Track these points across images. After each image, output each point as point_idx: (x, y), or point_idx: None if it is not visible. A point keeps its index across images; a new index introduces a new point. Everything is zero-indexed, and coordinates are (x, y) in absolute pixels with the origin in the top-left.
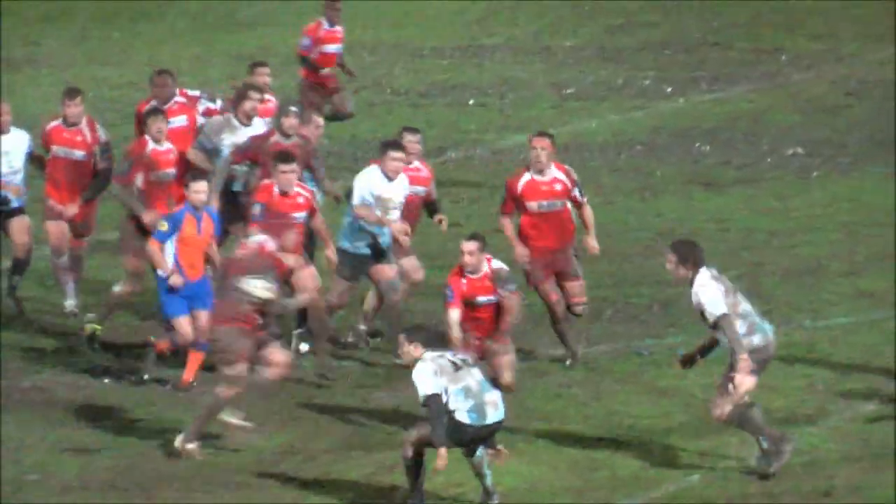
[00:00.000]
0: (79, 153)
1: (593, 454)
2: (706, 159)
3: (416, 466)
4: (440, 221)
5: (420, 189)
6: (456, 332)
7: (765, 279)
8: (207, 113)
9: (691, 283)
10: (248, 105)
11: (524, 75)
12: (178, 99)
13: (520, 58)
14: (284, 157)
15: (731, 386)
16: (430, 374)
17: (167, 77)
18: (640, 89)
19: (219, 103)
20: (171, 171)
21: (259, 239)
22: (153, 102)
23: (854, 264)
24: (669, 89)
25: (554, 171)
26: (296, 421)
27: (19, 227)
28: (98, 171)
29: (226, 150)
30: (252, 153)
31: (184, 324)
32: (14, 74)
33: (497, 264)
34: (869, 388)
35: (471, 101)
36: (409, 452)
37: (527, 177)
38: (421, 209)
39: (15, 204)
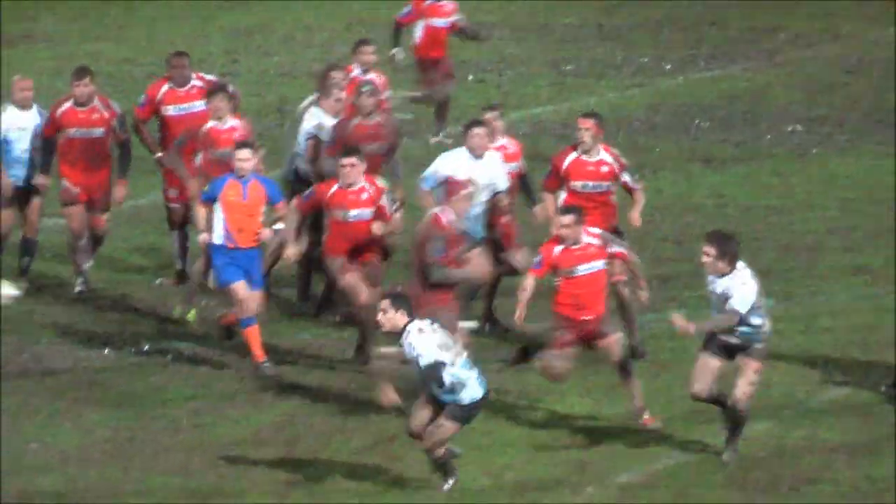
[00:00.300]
0: (98, 131)
1: (593, 428)
2: (705, 136)
3: (447, 458)
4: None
5: (512, 165)
6: (523, 298)
7: (763, 255)
8: None
9: (724, 274)
10: (332, 83)
11: (522, 53)
12: (196, 83)
13: (518, 35)
14: (348, 150)
15: (752, 372)
16: (434, 346)
17: (184, 59)
18: (638, 67)
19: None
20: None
21: (435, 210)
22: (169, 83)
23: (852, 241)
24: (668, 67)
25: (601, 153)
26: (294, 392)
27: (33, 208)
28: (121, 143)
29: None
30: (341, 141)
31: (240, 289)
32: (11, 50)
33: (597, 231)
34: (867, 363)
35: (470, 78)
36: (442, 452)
37: (573, 155)
38: (518, 188)
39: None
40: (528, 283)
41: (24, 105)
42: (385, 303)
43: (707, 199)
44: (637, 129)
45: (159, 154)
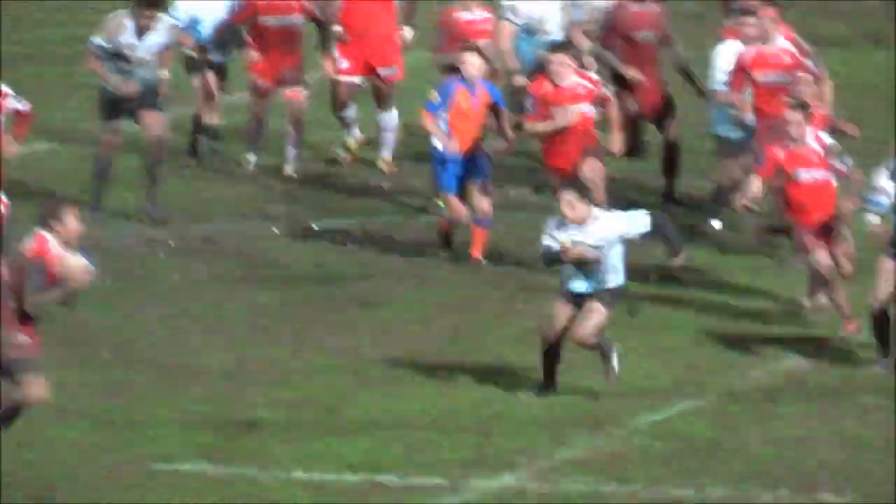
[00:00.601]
0: (296, 18)
1: (763, 311)
2: (874, 14)
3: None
4: None
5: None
6: (750, 195)
7: None
8: None
9: None
10: None
11: None
12: None
13: None
14: (557, 46)
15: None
16: (616, 231)
17: None
18: None
19: None
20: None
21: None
22: None
23: None
24: None
25: (781, 43)
26: (461, 274)
27: (215, 86)
28: (320, 23)
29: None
30: (613, 29)
31: (453, 200)
32: None
33: (829, 139)
34: None
35: None
36: (597, 341)
37: (754, 49)
38: None
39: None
40: (756, 185)
41: None
42: (571, 195)
43: (877, 79)
44: (805, 9)
45: (338, 27)
